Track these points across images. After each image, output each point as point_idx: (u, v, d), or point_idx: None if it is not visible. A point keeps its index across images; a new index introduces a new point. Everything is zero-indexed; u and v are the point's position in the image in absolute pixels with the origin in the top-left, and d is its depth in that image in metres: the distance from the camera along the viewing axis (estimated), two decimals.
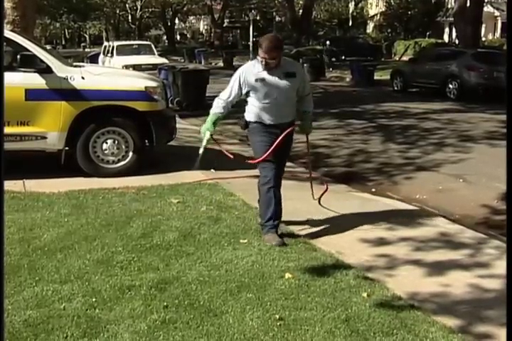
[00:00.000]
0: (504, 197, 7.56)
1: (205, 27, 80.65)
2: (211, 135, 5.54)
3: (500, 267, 4.91)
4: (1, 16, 2.41)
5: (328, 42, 40.53)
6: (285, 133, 5.38)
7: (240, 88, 5.36)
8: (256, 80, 5.27)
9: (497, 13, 46.94)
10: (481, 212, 7.03)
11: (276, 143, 5.33)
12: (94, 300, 4.09)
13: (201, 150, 5.61)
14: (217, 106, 5.50)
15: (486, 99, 18.84)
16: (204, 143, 5.57)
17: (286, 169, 9.15)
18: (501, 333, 3.79)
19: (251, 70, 5.34)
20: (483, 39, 37.61)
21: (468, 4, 26.37)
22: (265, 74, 5.26)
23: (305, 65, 27.68)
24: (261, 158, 5.34)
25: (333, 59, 35.51)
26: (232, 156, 6.02)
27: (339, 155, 10.46)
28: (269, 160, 5.34)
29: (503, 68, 20.35)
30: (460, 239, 5.64)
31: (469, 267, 4.91)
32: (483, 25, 31.53)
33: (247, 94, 5.40)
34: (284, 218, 5.88)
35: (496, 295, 4.39)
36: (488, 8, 39.87)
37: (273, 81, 5.27)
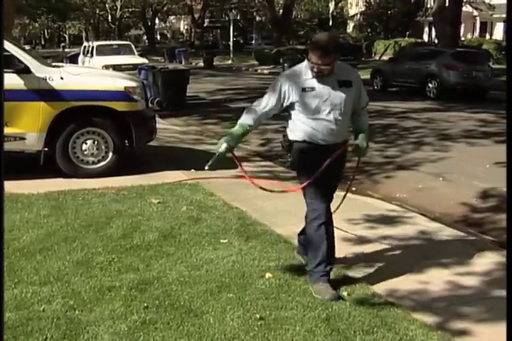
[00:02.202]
0: (483, 196, 7.63)
1: (186, 27, 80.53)
2: (230, 149, 4.29)
3: (478, 264, 4.97)
4: (1, 17, 2.39)
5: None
6: (336, 153, 4.36)
7: (281, 99, 4.31)
8: (303, 90, 4.25)
9: (476, 13, 47.31)
10: (460, 210, 7.09)
11: (325, 165, 4.31)
12: (73, 301, 4.07)
13: (207, 167, 4.26)
14: (247, 116, 4.38)
15: (464, 98, 18.98)
16: (215, 156, 4.26)
17: (266, 169, 9.28)
18: (479, 330, 3.84)
19: (297, 77, 4.30)
20: (462, 38, 37.89)
21: (447, 4, 26.54)
22: (315, 83, 4.26)
23: (285, 64, 27.78)
24: (305, 184, 4.39)
25: None
26: (258, 185, 4.78)
27: None
28: (317, 189, 4.39)
29: (481, 67, 20.60)
30: (439, 237, 5.67)
31: (448, 265, 4.94)
32: (462, 25, 31.75)
33: (291, 107, 4.34)
34: (264, 218, 5.87)
35: (473, 292, 4.43)
36: (466, 8, 40.12)
37: (325, 91, 4.26)
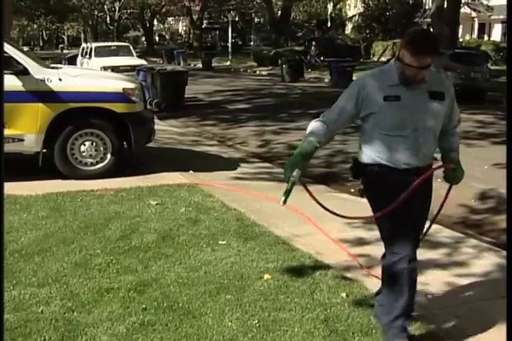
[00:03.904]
0: (481, 197, 7.63)
1: (184, 28, 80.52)
2: (299, 174, 3.37)
3: (477, 265, 4.97)
4: (2, 17, 2.39)
5: (313, 43, 40.51)
6: (423, 177, 3.47)
7: (357, 108, 3.50)
8: (385, 99, 3.42)
9: (474, 14, 47.35)
10: (459, 212, 7.08)
11: (409, 191, 3.42)
12: (72, 303, 4.07)
13: (282, 200, 3.40)
14: (315, 132, 3.48)
15: (463, 99, 18.92)
16: (288, 187, 3.38)
17: (265, 170, 9.28)
18: (478, 331, 3.83)
19: (378, 83, 3.47)
20: (461, 40, 37.88)
21: (445, 5, 26.58)
22: (402, 91, 3.42)
23: (284, 65, 27.77)
24: (384, 212, 3.45)
25: (316, 59, 35.60)
26: (339, 214, 3.74)
27: (318, 156, 10.43)
28: (398, 225, 3.50)
29: (480, 68, 20.62)
30: (438, 239, 5.67)
31: (447, 266, 4.94)
32: (461, 26, 31.77)
33: (366, 119, 3.54)
34: (263, 219, 5.87)
35: (472, 293, 4.43)
36: (465, 9, 40.19)
37: (413, 103, 3.44)
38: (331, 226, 5.94)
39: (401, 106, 3.42)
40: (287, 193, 3.39)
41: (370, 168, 3.55)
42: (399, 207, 3.38)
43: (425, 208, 3.71)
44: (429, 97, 3.46)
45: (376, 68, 3.69)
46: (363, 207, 6.79)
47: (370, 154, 3.54)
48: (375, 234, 5.73)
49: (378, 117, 3.46)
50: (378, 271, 4.82)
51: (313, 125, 3.53)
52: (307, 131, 3.51)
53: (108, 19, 65.94)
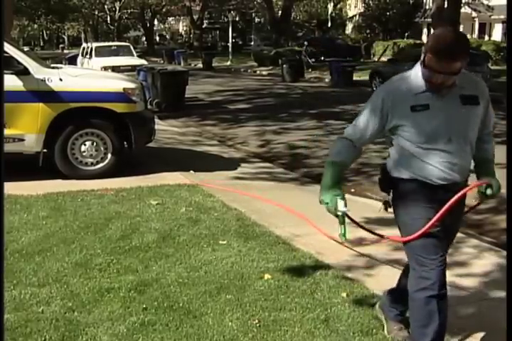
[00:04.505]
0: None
1: (184, 28, 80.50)
2: (344, 203, 3.20)
3: (477, 265, 4.97)
4: (2, 18, 2.39)
5: (306, 43, 40.57)
6: (455, 198, 3.17)
7: (383, 121, 3.18)
8: (413, 109, 3.10)
9: (474, 14, 47.33)
10: None
11: (443, 210, 3.15)
12: (72, 303, 4.07)
13: (341, 236, 3.30)
14: (341, 151, 3.29)
15: None
16: (341, 221, 3.26)
17: (265, 170, 9.29)
18: (479, 331, 3.83)
19: (402, 91, 3.14)
20: None
21: (445, 5, 26.56)
22: (430, 99, 3.09)
23: (284, 65, 27.78)
24: (415, 235, 3.18)
25: (312, 60, 35.60)
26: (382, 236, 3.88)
27: (318, 155, 10.47)
28: (428, 248, 3.20)
29: (480, 68, 20.60)
30: None
31: (447, 266, 4.92)
32: (461, 26, 31.76)
33: (394, 131, 3.21)
34: (263, 219, 5.86)
35: (473, 293, 4.43)
36: (465, 9, 40.16)
37: (444, 111, 3.11)
38: (331, 226, 5.93)
39: (431, 115, 3.08)
40: (343, 228, 3.22)
41: (401, 182, 3.24)
42: (431, 228, 3.14)
43: (454, 231, 3.46)
44: (462, 103, 3.12)
45: (398, 75, 3.27)
46: (361, 206, 6.82)
47: (401, 168, 3.24)
48: None
49: (407, 129, 3.12)
50: (379, 271, 4.83)
51: (338, 144, 3.31)
52: (331, 151, 3.36)
53: (108, 19, 65.92)
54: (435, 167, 3.14)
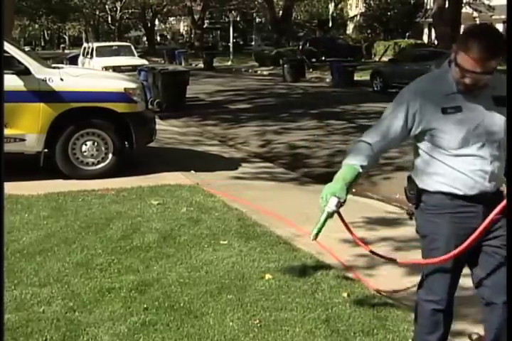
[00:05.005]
0: None
1: (185, 28, 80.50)
2: (340, 204, 2.99)
3: None
4: (2, 18, 2.39)
5: (301, 43, 40.61)
6: (494, 213, 2.82)
7: (407, 126, 2.91)
8: (444, 111, 2.83)
9: (475, 14, 47.30)
10: None
11: (477, 233, 2.86)
12: (73, 303, 4.07)
13: (313, 234, 3.06)
14: (358, 155, 2.98)
15: None
16: (322, 218, 3.01)
17: (266, 170, 9.29)
18: (479, 331, 3.83)
19: (432, 92, 2.88)
20: None
21: (446, 5, 26.55)
22: (462, 101, 2.84)
23: (285, 65, 27.79)
24: (437, 260, 2.98)
25: (313, 60, 35.62)
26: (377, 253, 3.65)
27: (319, 155, 10.48)
28: (447, 265, 3.02)
29: None
30: None
31: None
32: (462, 26, 31.74)
33: (421, 136, 2.95)
34: (264, 219, 5.86)
35: (472, 293, 4.42)
36: (466, 9, 40.15)
37: (477, 114, 2.85)
38: (331, 226, 5.93)
39: (463, 118, 2.82)
40: (320, 226, 2.98)
41: (426, 195, 2.99)
42: (461, 251, 2.88)
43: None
44: (495, 104, 2.84)
45: (425, 75, 3.05)
46: (362, 206, 6.82)
47: (428, 179, 2.97)
48: (376, 234, 5.75)
49: (437, 134, 2.86)
50: (379, 271, 4.83)
51: (356, 146, 3.02)
52: (348, 153, 3.04)
53: (109, 19, 65.87)
54: (466, 175, 2.87)
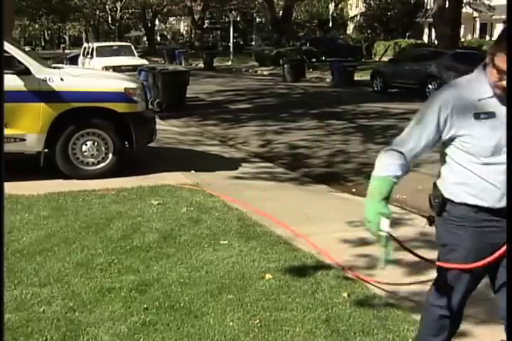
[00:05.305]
0: None
1: (186, 28, 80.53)
2: (389, 223, 2.69)
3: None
4: (2, 18, 2.39)
5: (298, 43, 40.63)
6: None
7: (439, 131, 2.76)
8: (477, 116, 2.69)
9: (476, 14, 47.34)
10: None
11: (500, 252, 2.77)
12: (73, 302, 4.07)
13: (383, 263, 2.80)
14: (391, 165, 2.77)
15: None
16: (383, 244, 2.71)
17: (266, 170, 9.30)
18: (480, 331, 3.84)
19: (465, 96, 2.73)
20: (462, 40, 37.88)
21: (447, 5, 26.55)
22: (496, 105, 2.69)
23: (285, 65, 27.79)
24: (470, 266, 2.87)
25: (313, 60, 35.62)
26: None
27: (319, 155, 10.48)
28: (465, 278, 2.97)
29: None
30: None
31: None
32: (462, 26, 31.75)
33: (450, 143, 2.80)
34: (264, 219, 5.86)
35: (474, 293, 4.41)
36: (466, 9, 40.18)
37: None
38: (331, 226, 5.95)
39: (497, 124, 2.66)
40: (387, 253, 2.71)
41: (450, 204, 2.84)
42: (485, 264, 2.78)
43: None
44: None
45: (460, 78, 2.87)
46: (362, 206, 6.81)
47: (454, 188, 2.83)
48: None
49: (468, 140, 2.72)
50: (380, 271, 4.82)
51: (386, 156, 2.82)
52: (378, 164, 2.82)
53: (109, 19, 65.88)
54: (494, 186, 2.72)
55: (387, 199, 2.72)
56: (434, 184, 2.95)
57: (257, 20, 66.84)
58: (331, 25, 57.37)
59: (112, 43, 31.62)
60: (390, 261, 2.73)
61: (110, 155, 7.95)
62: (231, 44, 46.67)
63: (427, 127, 2.76)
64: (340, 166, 9.64)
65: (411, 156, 2.80)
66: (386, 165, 2.77)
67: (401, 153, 2.79)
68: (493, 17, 44.87)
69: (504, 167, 2.68)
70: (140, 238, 5.39)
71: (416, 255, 3.12)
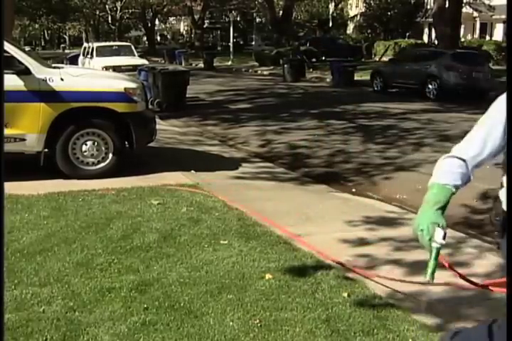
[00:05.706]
0: (482, 197, 7.63)
1: (186, 28, 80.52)
2: (443, 234, 2.46)
3: (479, 266, 4.96)
4: (2, 18, 2.38)
5: (296, 43, 40.64)
6: None
7: (505, 136, 2.49)
8: None
9: (476, 14, 47.31)
10: (460, 212, 7.08)
11: None
12: (73, 302, 4.06)
13: (429, 275, 2.51)
14: (451, 173, 2.55)
15: (464, 99, 18.98)
16: (433, 255, 2.49)
17: (266, 170, 9.30)
18: None
19: None
20: (462, 40, 37.89)
21: (447, 5, 26.56)
22: None
23: (285, 65, 27.80)
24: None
25: (313, 60, 35.62)
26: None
27: (319, 155, 10.48)
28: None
29: (481, 68, 20.64)
30: None
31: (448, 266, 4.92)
32: (462, 26, 31.78)
33: None
34: (264, 219, 5.86)
35: (474, 293, 4.42)
36: (466, 9, 40.17)
37: None
38: (332, 226, 5.95)
39: None
40: (433, 265, 2.49)
41: None
42: None
43: None
44: None
45: None
46: (362, 206, 6.82)
47: None
48: (376, 234, 5.75)
49: None
50: (380, 271, 4.83)
51: (446, 163, 2.58)
52: (436, 171, 2.59)
53: (109, 19, 65.86)
54: None
55: (443, 209, 2.51)
56: (496, 198, 2.66)
57: (257, 20, 66.81)
58: (331, 25, 57.36)
59: (111, 43, 31.64)
60: (432, 274, 2.52)
61: (110, 155, 7.95)
62: (231, 44, 46.69)
63: (493, 133, 2.51)
64: (340, 166, 9.65)
65: (473, 165, 2.57)
66: (446, 172, 2.56)
67: (463, 160, 2.56)
68: (493, 17, 44.85)
69: None
70: (140, 238, 5.39)
71: (470, 281, 2.90)
